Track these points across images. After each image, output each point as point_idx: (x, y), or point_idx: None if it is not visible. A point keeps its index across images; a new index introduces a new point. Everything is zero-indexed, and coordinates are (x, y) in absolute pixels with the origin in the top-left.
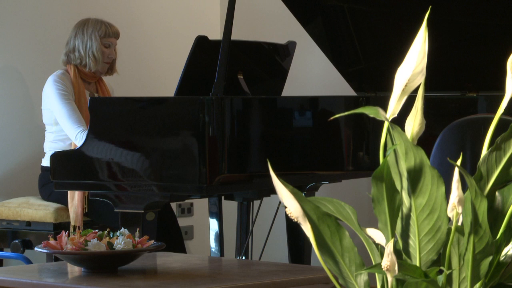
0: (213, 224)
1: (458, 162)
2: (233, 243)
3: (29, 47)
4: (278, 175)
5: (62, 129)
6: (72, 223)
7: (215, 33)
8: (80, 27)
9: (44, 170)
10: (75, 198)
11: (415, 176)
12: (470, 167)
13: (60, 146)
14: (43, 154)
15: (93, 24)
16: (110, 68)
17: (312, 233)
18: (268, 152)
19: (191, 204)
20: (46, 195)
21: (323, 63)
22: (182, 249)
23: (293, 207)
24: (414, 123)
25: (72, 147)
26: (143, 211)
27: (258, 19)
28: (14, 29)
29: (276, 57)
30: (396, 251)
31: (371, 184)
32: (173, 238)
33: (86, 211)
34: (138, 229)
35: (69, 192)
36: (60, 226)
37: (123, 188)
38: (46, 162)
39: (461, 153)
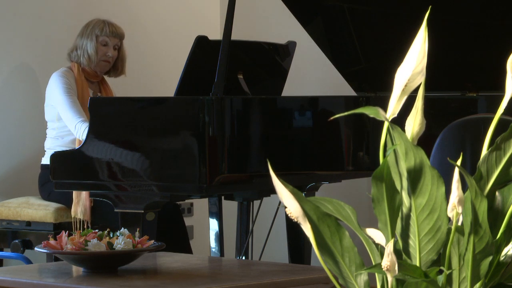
0: (213, 224)
1: (458, 162)
2: (233, 243)
3: (31, 48)
4: (278, 175)
5: (64, 125)
6: (81, 217)
7: (215, 33)
8: (84, 27)
9: (44, 169)
10: (82, 192)
11: (415, 176)
12: (470, 167)
13: (60, 143)
14: (43, 153)
15: (94, 23)
16: (115, 68)
17: (312, 233)
18: (268, 152)
19: (191, 204)
20: (46, 194)
21: (323, 63)
22: (188, 250)
23: (293, 207)
24: (414, 123)
25: (76, 144)
26: (143, 211)
27: (258, 19)
28: (16, 29)
29: (276, 57)
30: (396, 251)
31: (371, 184)
32: (180, 238)
33: (92, 204)
34: (138, 229)
35: None
36: (60, 226)
37: (123, 188)
38: (46, 160)
39: (461, 153)
